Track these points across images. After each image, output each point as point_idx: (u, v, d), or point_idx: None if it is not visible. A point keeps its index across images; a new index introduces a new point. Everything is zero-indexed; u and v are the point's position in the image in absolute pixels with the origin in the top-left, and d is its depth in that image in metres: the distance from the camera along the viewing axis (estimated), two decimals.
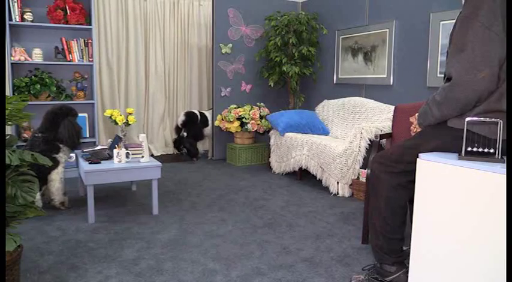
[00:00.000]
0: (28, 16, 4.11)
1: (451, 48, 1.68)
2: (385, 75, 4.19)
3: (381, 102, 4.09)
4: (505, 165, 1.41)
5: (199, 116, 5.23)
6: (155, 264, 2.29)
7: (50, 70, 4.33)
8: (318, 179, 3.89)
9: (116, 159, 3.07)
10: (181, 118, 5.14)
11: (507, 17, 1.60)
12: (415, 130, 1.96)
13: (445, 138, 1.73)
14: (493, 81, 1.58)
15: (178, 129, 5.28)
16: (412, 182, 1.73)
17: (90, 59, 4.37)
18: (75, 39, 4.32)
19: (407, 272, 1.89)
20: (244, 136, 5.02)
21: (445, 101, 1.68)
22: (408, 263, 1.80)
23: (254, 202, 3.47)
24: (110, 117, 3.42)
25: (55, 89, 4.25)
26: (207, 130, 5.33)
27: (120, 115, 3.40)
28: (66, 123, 3.10)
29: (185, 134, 5.08)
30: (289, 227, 2.89)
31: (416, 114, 1.94)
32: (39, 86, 4.13)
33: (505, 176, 1.36)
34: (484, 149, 1.55)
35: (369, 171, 2.12)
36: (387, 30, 4.14)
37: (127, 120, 3.43)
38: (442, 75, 1.91)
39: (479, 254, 1.46)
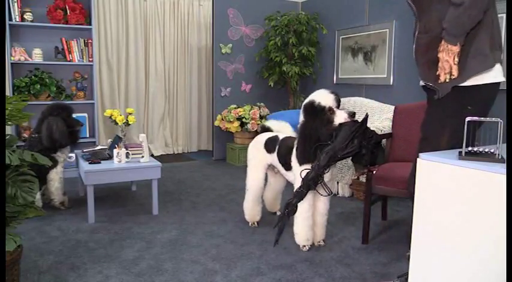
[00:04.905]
0: (28, 16, 4.11)
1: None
2: (385, 75, 4.19)
3: (381, 102, 4.09)
4: (505, 165, 1.41)
5: None
6: (155, 264, 2.29)
7: (50, 70, 4.33)
8: None
9: (116, 159, 3.07)
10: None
11: (507, 18, 1.59)
12: (454, 63, 1.82)
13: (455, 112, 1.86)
14: None
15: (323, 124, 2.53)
16: None
17: (90, 59, 4.37)
18: (75, 39, 4.32)
19: None
20: (244, 136, 5.02)
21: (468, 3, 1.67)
22: None
23: None
24: (110, 117, 3.42)
25: (55, 89, 4.25)
26: None
27: (120, 115, 3.40)
28: (45, 124, 3.06)
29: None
30: (290, 227, 2.89)
31: (448, 45, 1.79)
32: (39, 86, 4.13)
33: (505, 176, 1.36)
34: (483, 150, 1.55)
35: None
36: (387, 30, 4.13)
37: (127, 120, 3.43)
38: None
39: (479, 254, 1.46)
